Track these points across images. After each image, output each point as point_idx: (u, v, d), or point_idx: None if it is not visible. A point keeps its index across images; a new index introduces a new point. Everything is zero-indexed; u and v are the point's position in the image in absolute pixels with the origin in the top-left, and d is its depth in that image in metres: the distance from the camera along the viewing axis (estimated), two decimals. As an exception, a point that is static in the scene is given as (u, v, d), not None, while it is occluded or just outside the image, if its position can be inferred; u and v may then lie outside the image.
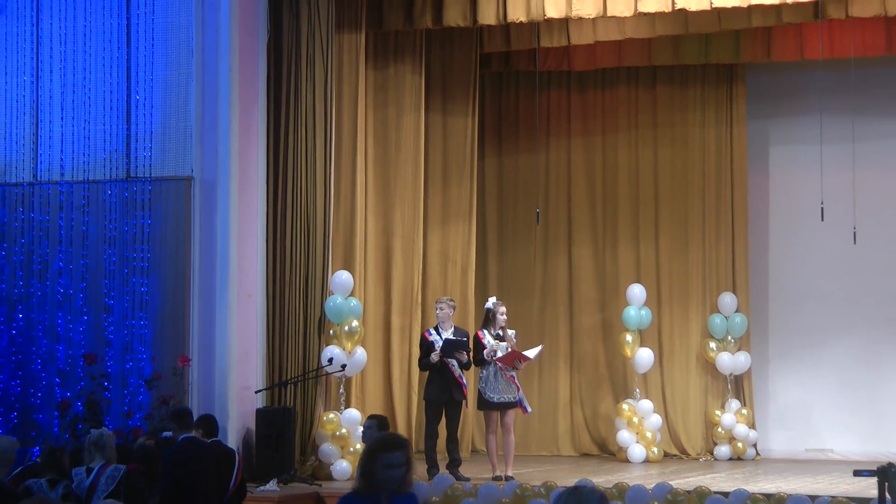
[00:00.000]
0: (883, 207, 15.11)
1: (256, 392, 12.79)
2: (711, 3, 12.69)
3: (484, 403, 12.61)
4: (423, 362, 12.73)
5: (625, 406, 15.02)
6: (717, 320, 15.32)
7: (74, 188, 13.16)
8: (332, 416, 12.96)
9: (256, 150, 13.06)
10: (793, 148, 15.65)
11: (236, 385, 12.58)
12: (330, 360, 12.83)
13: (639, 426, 14.91)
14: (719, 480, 12.48)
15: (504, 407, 12.56)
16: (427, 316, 14.22)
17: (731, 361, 15.28)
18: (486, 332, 12.66)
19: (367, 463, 5.35)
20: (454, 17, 13.52)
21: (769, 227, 15.79)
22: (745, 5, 12.83)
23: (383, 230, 14.38)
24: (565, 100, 16.25)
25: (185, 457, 9.45)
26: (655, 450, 14.88)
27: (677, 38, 15.00)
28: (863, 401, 15.18)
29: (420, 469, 11.98)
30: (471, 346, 12.66)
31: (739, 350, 15.35)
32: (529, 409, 13.09)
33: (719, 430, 15.13)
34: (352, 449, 12.73)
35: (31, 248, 13.22)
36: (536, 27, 13.99)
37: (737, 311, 15.35)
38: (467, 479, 12.05)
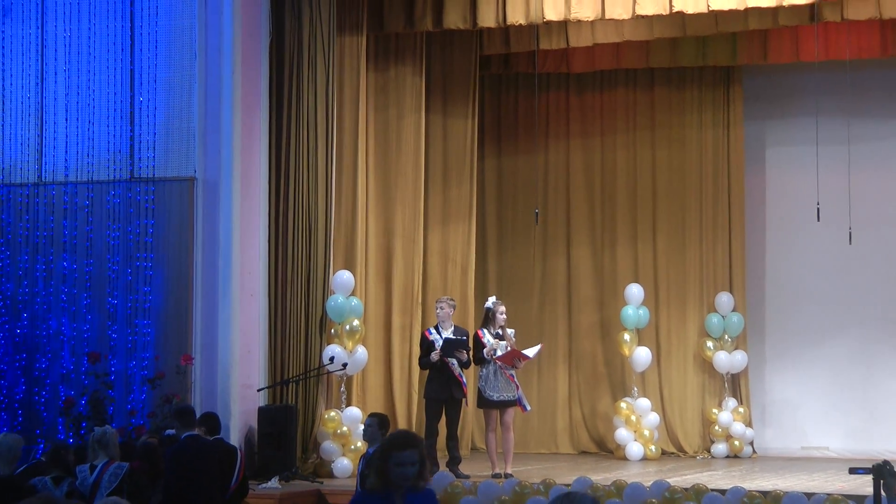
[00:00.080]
0: (878, 208, 15.11)
1: (258, 390, 12.79)
2: (708, 5, 12.69)
3: (483, 402, 12.60)
4: (424, 361, 12.72)
5: (623, 404, 15.02)
6: (714, 319, 15.32)
7: (79, 189, 13.15)
8: (333, 414, 12.95)
9: (259, 151, 13.06)
10: (789, 149, 15.65)
11: (238, 383, 12.57)
12: (331, 359, 12.83)
13: (637, 424, 14.91)
14: (716, 478, 12.47)
15: (503, 405, 12.55)
16: (427, 315, 14.21)
17: (727, 360, 15.27)
18: (485, 331, 12.66)
19: (381, 461, 5.35)
20: (454, 19, 13.51)
21: (766, 227, 15.79)
22: (741, 8, 12.82)
23: (384, 230, 14.37)
24: (564, 101, 16.25)
25: (188, 454, 9.44)
26: (653, 448, 14.88)
27: (675, 41, 14.99)
28: (858, 399, 15.18)
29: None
30: (470, 344, 12.65)
31: (736, 349, 15.35)
32: (528, 408, 13.08)
33: (716, 428, 15.12)
34: (353, 447, 12.72)
35: (36, 249, 13.21)
36: (535, 30, 13.98)
37: (734, 310, 15.34)
38: (467, 477, 12.04)
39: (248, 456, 11.86)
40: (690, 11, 12.86)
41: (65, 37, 13.28)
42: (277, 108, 13.29)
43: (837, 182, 14.55)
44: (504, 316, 12.70)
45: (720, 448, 15.09)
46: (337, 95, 13.39)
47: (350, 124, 13.68)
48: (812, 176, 14.21)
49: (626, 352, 15.19)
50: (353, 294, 13.28)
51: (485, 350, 12.51)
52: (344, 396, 13.18)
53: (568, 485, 10.68)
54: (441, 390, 12.53)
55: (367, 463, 9.58)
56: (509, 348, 12.53)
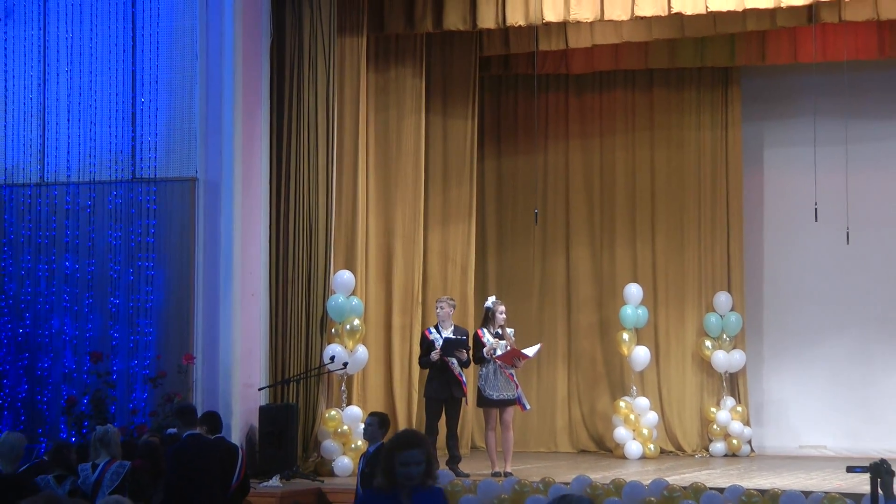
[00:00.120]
0: (876, 208, 15.12)
1: (259, 389, 12.79)
2: (707, 6, 12.69)
3: (483, 401, 12.60)
4: (424, 360, 12.72)
5: (622, 403, 15.02)
6: (712, 319, 15.32)
7: (81, 189, 13.15)
8: (333, 413, 12.95)
9: (260, 152, 13.06)
10: (787, 150, 15.65)
11: (240, 382, 12.58)
12: (332, 359, 12.83)
13: (635, 423, 14.91)
14: (714, 476, 12.47)
15: (503, 404, 12.55)
16: (427, 315, 14.22)
17: (726, 359, 15.28)
18: (485, 330, 12.66)
19: (386, 461, 5.38)
20: (454, 20, 13.52)
21: (764, 227, 15.79)
22: (739, 9, 12.82)
23: (384, 230, 14.38)
24: (563, 102, 16.25)
25: (189, 453, 9.45)
26: (652, 446, 14.88)
27: (673, 42, 15.00)
28: (856, 398, 15.18)
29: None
30: (470, 344, 12.65)
31: (734, 348, 15.35)
32: (528, 407, 13.07)
33: (715, 426, 15.12)
34: (353, 446, 12.73)
35: (38, 248, 13.22)
36: (535, 31, 13.98)
37: (732, 309, 15.34)
38: (467, 476, 12.04)
39: (249, 454, 11.86)
40: (689, 13, 12.87)
41: (67, 38, 13.29)
42: (278, 109, 13.29)
43: (835, 182, 14.55)
44: (504, 315, 12.70)
45: (718, 447, 15.10)
46: (337, 96, 13.39)
47: (350, 125, 13.68)
48: (810, 176, 14.21)
49: (625, 351, 15.19)
50: (353, 294, 13.28)
51: (484, 349, 12.51)
52: (344, 395, 13.18)
53: (567, 483, 10.68)
54: (441, 389, 12.53)
55: (368, 462, 9.59)
56: (509, 348, 12.53)
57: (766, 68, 15.59)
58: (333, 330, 13.19)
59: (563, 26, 14.22)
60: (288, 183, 13.23)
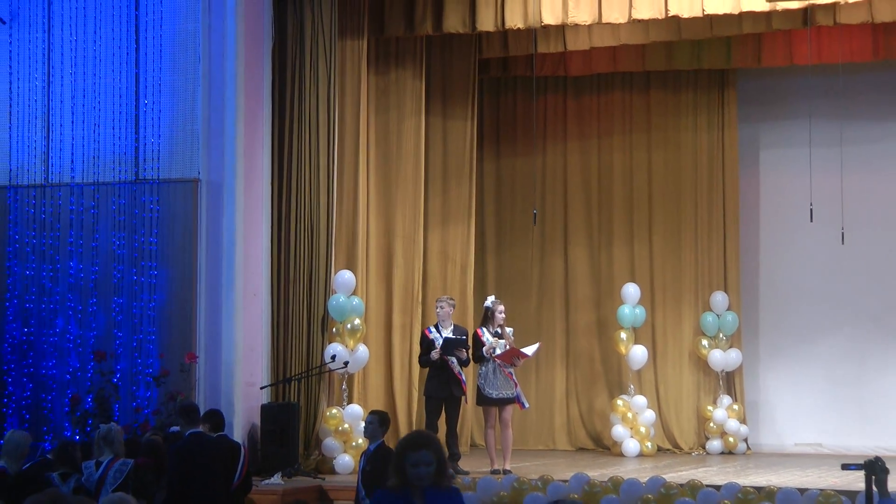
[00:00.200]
0: (870, 209, 15.12)
1: (261, 388, 12.79)
2: (703, 9, 12.70)
3: (483, 399, 12.60)
4: (424, 359, 12.72)
5: (619, 402, 15.01)
6: (709, 318, 15.32)
7: (85, 191, 13.15)
8: (334, 411, 12.95)
9: (261, 153, 13.06)
10: (782, 151, 15.65)
11: (242, 381, 12.58)
12: (333, 357, 12.83)
13: (633, 421, 14.90)
14: (711, 474, 12.47)
15: (502, 403, 12.55)
16: (427, 314, 14.21)
17: (722, 358, 15.27)
18: (484, 329, 12.66)
19: (397, 461, 5.37)
20: (454, 23, 13.51)
21: (760, 228, 15.79)
22: (735, 12, 12.82)
23: (385, 231, 14.37)
24: (561, 104, 16.25)
25: (192, 451, 9.44)
26: (649, 444, 14.87)
27: (670, 44, 15.00)
28: (850, 396, 15.18)
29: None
30: (470, 343, 12.65)
31: (731, 347, 15.35)
32: (527, 405, 13.07)
33: (711, 425, 15.12)
34: (354, 444, 12.72)
35: (43, 248, 13.21)
36: (533, 33, 13.98)
37: (728, 309, 15.34)
38: (466, 473, 12.04)
39: (251, 452, 11.85)
40: (685, 15, 12.88)
41: (71, 42, 13.29)
42: (280, 111, 13.29)
43: (830, 183, 14.55)
44: (503, 315, 12.70)
45: (715, 444, 15.10)
46: (338, 98, 13.39)
47: (351, 127, 13.68)
48: (805, 177, 14.21)
49: (623, 350, 15.19)
50: (354, 293, 13.28)
51: (484, 349, 12.51)
52: (345, 394, 13.18)
53: (566, 481, 10.67)
54: (441, 388, 12.53)
55: (368, 459, 9.59)
56: (508, 347, 12.53)
57: (761, 70, 15.59)
58: (334, 329, 13.18)
59: (561, 29, 14.22)
60: (289, 184, 13.23)
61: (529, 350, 12.67)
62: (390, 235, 14.37)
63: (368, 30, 13.80)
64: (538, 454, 15.06)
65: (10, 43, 13.46)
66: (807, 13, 13.18)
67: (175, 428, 10.51)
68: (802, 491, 10.03)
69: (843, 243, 13.78)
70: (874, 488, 6.01)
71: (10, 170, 13.37)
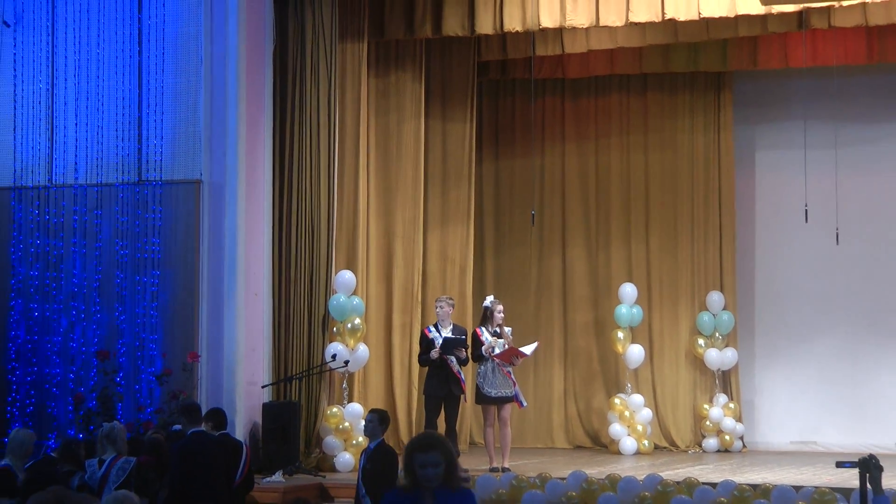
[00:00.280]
0: (864, 209, 15.12)
1: (263, 387, 12.78)
2: (700, 12, 12.70)
3: (482, 398, 12.60)
4: (423, 358, 12.71)
5: (617, 400, 15.01)
6: (705, 318, 15.31)
7: (88, 191, 13.15)
8: (335, 410, 12.95)
9: (263, 155, 13.06)
10: (778, 153, 15.64)
11: (243, 380, 12.57)
12: (333, 357, 12.83)
13: (630, 420, 14.90)
14: (707, 472, 12.46)
15: (501, 401, 12.55)
16: (427, 314, 14.21)
17: (718, 357, 15.27)
18: (483, 329, 12.66)
19: (406, 462, 5.34)
20: (453, 26, 13.51)
21: (755, 228, 15.78)
22: (731, 15, 12.82)
23: (385, 231, 14.37)
24: (559, 106, 16.24)
25: (193, 450, 9.44)
26: (646, 442, 14.87)
27: (667, 47, 15.00)
28: (845, 395, 15.18)
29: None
30: (469, 342, 12.65)
31: (727, 346, 15.35)
32: (525, 404, 13.08)
33: (707, 423, 15.12)
34: (354, 442, 12.73)
35: (47, 249, 13.21)
36: (532, 36, 13.99)
37: (724, 308, 15.34)
38: (466, 471, 11.98)
39: (252, 450, 11.85)
40: (682, 18, 12.88)
41: (74, 45, 13.29)
42: (281, 113, 13.29)
43: (825, 184, 14.56)
44: (502, 314, 12.70)
45: (711, 443, 15.10)
46: (339, 101, 13.39)
47: (351, 129, 13.68)
48: (800, 179, 14.21)
49: (620, 349, 15.19)
50: (354, 293, 13.27)
51: (483, 348, 12.51)
52: (346, 393, 13.17)
53: (563, 478, 10.67)
54: (440, 387, 12.52)
55: (368, 457, 9.59)
56: (507, 346, 12.53)
57: (757, 73, 15.59)
58: (335, 329, 13.18)
59: (559, 32, 14.22)
60: (290, 185, 13.23)
61: (528, 349, 12.67)
62: (390, 236, 14.37)
63: (368, 33, 13.80)
64: (536, 452, 15.06)
65: (15, 46, 13.46)
66: (802, 16, 13.18)
67: (177, 426, 10.51)
68: (797, 488, 10.02)
69: (837, 244, 13.78)
70: (868, 486, 6.01)
71: (15, 171, 13.37)
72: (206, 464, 9.42)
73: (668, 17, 12.77)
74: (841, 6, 12.87)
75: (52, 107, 13.33)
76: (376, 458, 9.54)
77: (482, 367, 12.56)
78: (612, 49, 14.78)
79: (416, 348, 13.28)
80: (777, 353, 15.55)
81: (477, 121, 15.50)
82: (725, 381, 15.41)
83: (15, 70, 13.44)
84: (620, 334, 15.15)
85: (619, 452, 14.74)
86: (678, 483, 10.34)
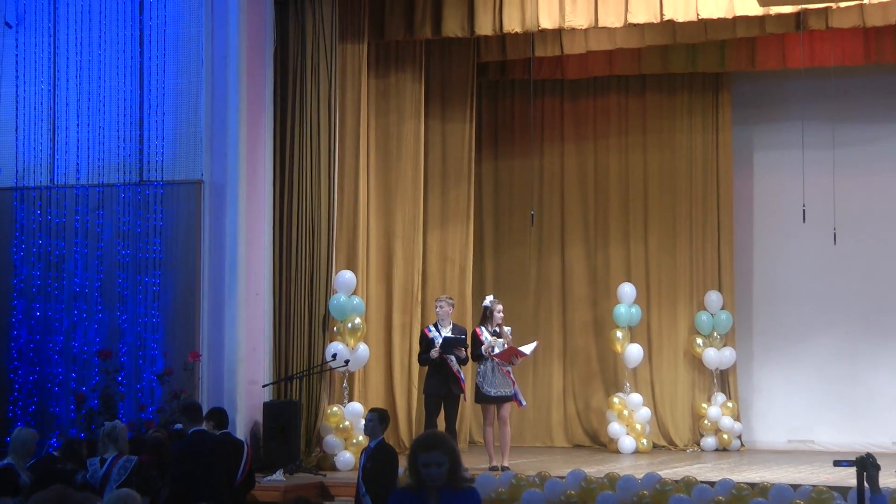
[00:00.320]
0: (861, 210, 15.12)
1: (263, 386, 12.78)
2: (698, 14, 12.70)
3: (481, 397, 12.60)
4: (423, 358, 12.71)
5: (615, 399, 15.01)
6: (703, 317, 15.32)
7: (90, 191, 13.15)
8: (335, 409, 12.95)
9: (264, 155, 13.06)
10: (776, 153, 15.64)
11: (244, 380, 12.57)
12: (334, 356, 12.83)
13: (629, 418, 14.91)
14: (706, 470, 12.46)
15: (500, 400, 12.55)
16: (427, 313, 14.21)
17: (716, 357, 15.28)
18: (483, 328, 12.66)
19: (410, 462, 5.35)
20: (452, 27, 13.51)
21: (753, 228, 15.79)
22: (730, 16, 12.83)
23: (385, 231, 14.37)
24: (558, 107, 16.25)
25: (194, 449, 9.45)
26: (645, 441, 14.88)
27: (665, 48, 15.00)
28: (842, 394, 15.18)
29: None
30: (468, 342, 12.65)
31: (725, 346, 15.35)
32: (524, 403, 13.08)
33: (706, 422, 15.12)
34: (354, 441, 12.73)
35: (49, 248, 13.22)
36: (531, 37, 14.00)
37: (722, 308, 15.34)
38: (465, 470, 12.00)
39: (253, 449, 11.86)
40: (680, 20, 12.88)
41: (76, 46, 13.29)
42: (282, 114, 13.30)
43: (822, 185, 14.56)
44: (501, 314, 12.70)
45: (709, 441, 15.10)
46: (339, 101, 13.39)
47: (352, 129, 13.68)
48: (798, 179, 14.21)
49: (619, 349, 15.19)
50: (354, 293, 13.28)
51: (483, 347, 12.51)
52: (346, 392, 13.17)
53: (562, 477, 10.67)
54: (440, 386, 12.52)
55: (369, 456, 9.60)
56: (506, 346, 12.53)
57: (755, 74, 15.59)
58: (335, 328, 13.18)
59: (558, 33, 14.22)
60: (291, 185, 13.23)
61: (527, 349, 12.67)
62: (390, 236, 14.37)
63: (369, 34, 13.80)
64: (536, 451, 15.06)
65: (17, 47, 13.47)
66: (800, 17, 13.18)
67: (178, 426, 10.51)
68: (795, 487, 10.03)
69: (835, 244, 13.79)
70: (865, 484, 6.02)
71: (17, 171, 13.37)
72: (207, 463, 9.43)
73: (666, 18, 12.77)
74: (838, 7, 12.87)
75: (53, 108, 13.33)
76: (376, 457, 9.56)
77: (482, 366, 12.56)
78: (610, 50, 14.79)
79: (416, 348, 13.28)
80: (775, 353, 15.55)
81: (476, 121, 15.50)
82: (723, 380, 15.42)
83: (17, 71, 13.45)
84: (619, 334, 15.16)
85: (617, 451, 14.74)
86: (676, 482, 10.35)
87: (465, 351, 12.57)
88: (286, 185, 13.24)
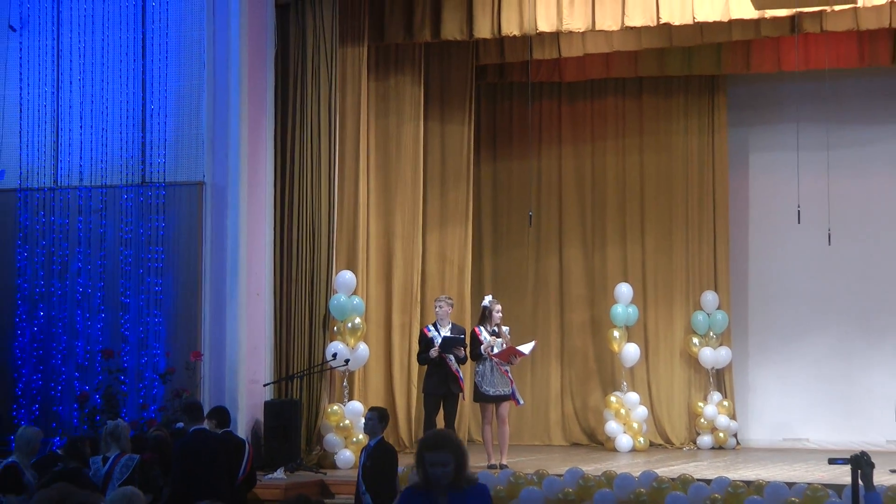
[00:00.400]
0: (856, 211, 15.11)
1: (265, 385, 12.79)
2: (694, 17, 12.71)
3: (480, 396, 12.60)
4: (423, 357, 12.72)
5: (612, 398, 15.01)
6: (699, 317, 15.31)
7: (93, 193, 13.16)
8: (336, 408, 12.95)
9: (265, 157, 13.06)
10: (771, 155, 15.64)
11: (245, 379, 12.58)
12: (334, 356, 12.83)
13: (626, 417, 14.90)
14: (702, 468, 12.47)
15: (499, 399, 12.55)
16: (426, 313, 14.21)
17: (712, 356, 15.27)
18: (482, 328, 12.66)
19: (417, 461, 5.34)
20: (451, 30, 13.51)
21: (749, 229, 15.78)
22: (725, 19, 12.83)
23: (384, 232, 14.37)
24: (556, 109, 16.24)
25: (195, 447, 9.45)
26: (641, 440, 14.87)
27: (662, 51, 14.99)
28: (837, 393, 15.17)
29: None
30: (467, 341, 12.65)
31: (721, 345, 15.35)
32: (522, 402, 13.08)
33: (702, 420, 15.12)
34: (354, 439, 12.72)
35: (52, 250, 13.22)
36: (529, 40, 14.00)
37: (718, 308, 15.33)
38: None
39: (254, 448, 11.86)
40: (677, 23, 12.89)
41: (80, 47, 13.30)
42: (282, 116, 13.30)
43: (817, 186, 14.56)
44: (500, 314, 12.70)
45: (705, 440, 15.10)
46: (339, 104, 13.39)
47: (352, 131, 13.68)
48: (793, 180, 14.21)
49: (616, 348, 15.19)
50: (354, 293, 13.28)
51: (482, 347, 12.51)
52: (346, 391, 13.17)
53: (560, 475, 10.67)
54: (439, 385, 12.52)
55: (369, 455, 9.60)
56: (505, 345, 12.53)
57: (750, 76, 15.59)
58: (335, 328, 13.18)
59: (555, 36, 14.23)
60: (292, 186, 13.23)
61: (525, 348, 12.68)
62: (390, 237, 14.37)
63: (368, 37, 13.80)
64: (534, 449, 15.05)
65: (21, 49, 13.47)
66: (794, 21, 13.18)
67: (180, 424, 10.51)
68: (790, 485, 10.03)
69: (829, 244, 13.78)
70: (860, 482, 6.02)
71: (21, 172, 13.38)
72: (209, 461, 9.43)
73: (662, 21, 12.78)
74: (833, 11, 12.87)
75: (57, 111, 13.34)
76: (376, 456, 9.56)
77: (480, 365, 12.56)
78: (607, 53, 14.79)
79: (416, 347, 13.28)
80: (770, 352, 15.55)
81: (475, 123, 15.50)
82: (719, 379, 15.42)
83: (21, 73, 13.45)
84: (616, 333, 15.16)
85: (614, 449, 14.74)
86: (673, 479, 10.35)
87: (464, 350, 12.57)
88: (287, 186, 13.24)
